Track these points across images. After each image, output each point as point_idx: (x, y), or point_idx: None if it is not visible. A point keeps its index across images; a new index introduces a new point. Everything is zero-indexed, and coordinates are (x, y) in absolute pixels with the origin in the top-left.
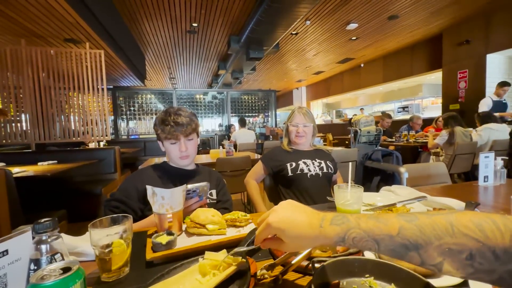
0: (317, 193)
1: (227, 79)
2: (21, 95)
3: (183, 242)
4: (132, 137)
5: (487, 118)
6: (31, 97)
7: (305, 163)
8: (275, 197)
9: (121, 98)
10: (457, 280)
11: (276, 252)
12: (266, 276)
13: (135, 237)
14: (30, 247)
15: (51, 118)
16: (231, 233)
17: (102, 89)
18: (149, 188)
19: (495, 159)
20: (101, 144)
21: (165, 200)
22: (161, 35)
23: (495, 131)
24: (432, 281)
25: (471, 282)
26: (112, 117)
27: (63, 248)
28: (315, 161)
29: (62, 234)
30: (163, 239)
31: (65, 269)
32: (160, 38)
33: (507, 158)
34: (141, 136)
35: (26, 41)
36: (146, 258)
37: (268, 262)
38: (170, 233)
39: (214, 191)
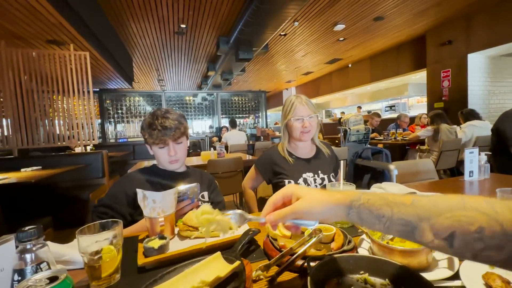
0: None
1: (217, 80)
2: (1, 99)
3: (176, 246)
4: (120, 140)
5: (470, 115)
6: (13, 101)
7: (305, 181)
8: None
9: (108, 101)
10: (449, 273)
11: (271, 253)
12: (261, 277)
13: (126, 242)
14: (14, 257)
15: (34, 123)
16: (225, 235)
17: (88, 92)
18: (139, 192)
19: (479, 154)
20: (88, 148)
21: (156, 204)
22: (148, 37)
23: (478, 128)
24: (424, 275)
25: (462, 274)
26: (99, 121)
27: (50, 257)
28: (317, 176)
29: (48, 242)
30: (155, 243)
31: (52, 279)
32: (147, 39)
33: (490, 153)
34: (129, 139)
35: (6, 43)
36: (138, 263)
37: (263, 262)
38: (162, 237)
39: (206, 193)
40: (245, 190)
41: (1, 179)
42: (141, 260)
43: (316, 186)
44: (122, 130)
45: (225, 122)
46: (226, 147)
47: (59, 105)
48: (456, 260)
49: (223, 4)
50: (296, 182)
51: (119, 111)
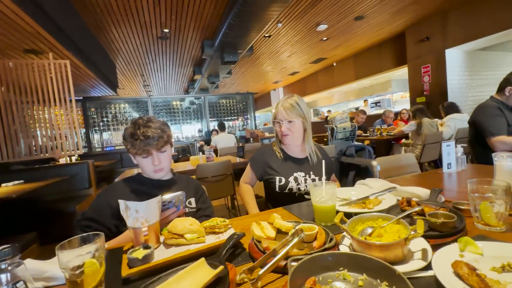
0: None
1: (204, 83)
2: None
3: (161, 255)
4: (107, 149)
5: (450, 108)
6: None
7: (296, 179)
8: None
9: (92, 109)
10: (422, 264)
11: (255, 255)
12: (245, 280)
13: (110, 254)
14: None
15: (14, 135)
16: (211, 241)
17: (70, 100)
18: (121, 203)
19: (456, 147)
20: (73, 159)
21: (139, 213)
22: (131, 42)
23: (458, 121)
24: (399, 267)
25: (433, 265)
26: (84, 130)
27: (26, 275)
28: (308, 177)
29: (28, 260)
30: (139, 253)
31: None
32: (130, 45)
33: (465, 145)
34: (117, 148)
35: None
36: (122, 275)
37: (247, 265)
38: (146, 247)
39: (193, 199)
40: (240, 187)
41: None
42: (125, 272)
43: (307, 186)
44: (109, 138)
45: (214, 125)
46: (216, 151)
47: (40, 116)
48: (429, 251)
49: (205, 8)
50: (286, 180)
51: (105, 119)
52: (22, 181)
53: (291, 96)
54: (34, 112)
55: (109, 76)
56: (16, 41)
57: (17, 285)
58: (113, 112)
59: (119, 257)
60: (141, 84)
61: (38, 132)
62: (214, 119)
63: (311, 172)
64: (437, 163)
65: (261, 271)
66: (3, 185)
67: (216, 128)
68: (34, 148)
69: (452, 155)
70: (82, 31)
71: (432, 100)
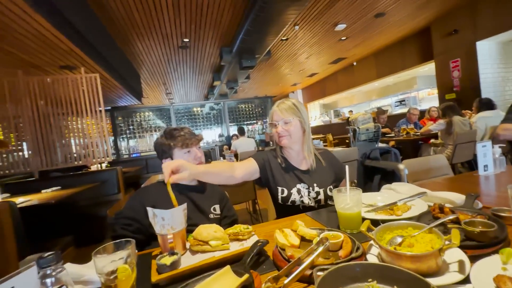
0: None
1: (223, 89)
2: (21, 124)
3: (188, 261)
4: (133, 155)
5: (483, 105)
6: (31, 126)
7: (299, 191)
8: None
9: (119, 118)
10: (459, 277)
11: (280, 263)
12: None
13: (141, 259)
14: (36, 282)
15: (52, 145)
16: (235, 247)
17: (100, 111)
18: (149, 210)
19: (493, 147)
20: (103, 165)
21: (165, 221)
22: (154, 53)
23: (490, 118)
24: (433, 280)
25: (472, 278)
26: (112, 138)
27: (68, 280)
28: (312, 190)
29: (68, 264)
30: (167, 260)
31: None
32: (153, 56)
33: (504, 145)
34: (142, 154)
35: (23, 72)
36: (152, 280)
37: (273, 274)
38: (173, 253)
39: (217, 206)
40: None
41: (24, 201)
42: (154, 277)
43: (310, 199)
44: (135, 145)
45: (233, 130)
46: (236, 155)
47: (74, 126)
48: (467, 263)
49: (223, 16)
50: (289, 192)
51: (131, 127)
52: (59, 187)
53: (288, 99)
54: (69, 122)
55: (134, 86)
56: (53, 58)
57: None
58: (138, 120)
59: (149, 262)
60: (163, 92)
61: (72, 141)
62: (234, 123)
63: (315, 184)
64: (471, 164)
65: (287, 280)
66: (43, 191)
67: (236, 133)
68: (69, 156)
69: (489, 156)
70: (110, 45)
71: (463, 97)
